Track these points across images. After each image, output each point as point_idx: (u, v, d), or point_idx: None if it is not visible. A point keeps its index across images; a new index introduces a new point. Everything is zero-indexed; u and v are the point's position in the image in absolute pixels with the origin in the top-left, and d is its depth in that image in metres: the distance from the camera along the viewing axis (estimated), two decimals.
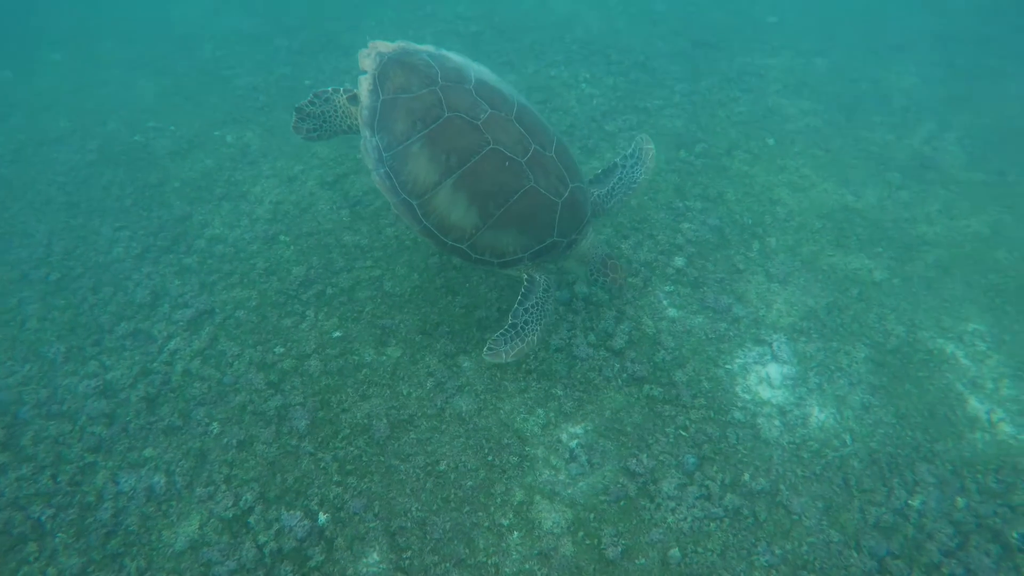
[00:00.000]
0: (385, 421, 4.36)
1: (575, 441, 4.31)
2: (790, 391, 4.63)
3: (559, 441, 4.32)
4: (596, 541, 3.81)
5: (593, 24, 10.18)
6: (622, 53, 8.94)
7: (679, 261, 5.50)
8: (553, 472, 4.16)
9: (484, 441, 4.31)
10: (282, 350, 4.81)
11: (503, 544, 3.80)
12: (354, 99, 4.23)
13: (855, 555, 3.81)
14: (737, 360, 4.81)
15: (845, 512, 4.00)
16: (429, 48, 4.27)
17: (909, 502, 4.06)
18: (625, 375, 4.64)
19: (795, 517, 3.97)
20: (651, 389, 4.55)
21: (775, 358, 4.83)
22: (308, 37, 9.68)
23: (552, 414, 4.47)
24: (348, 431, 4.32)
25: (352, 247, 5.66)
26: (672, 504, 3.98)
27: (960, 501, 4.10)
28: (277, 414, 4.39)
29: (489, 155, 3.75)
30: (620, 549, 3.76)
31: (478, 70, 4.22)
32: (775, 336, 4.96)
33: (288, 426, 4.33)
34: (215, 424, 4.32)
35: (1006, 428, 4.50)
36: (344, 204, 6.12)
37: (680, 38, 9.79)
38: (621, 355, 4.77)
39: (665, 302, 5.20)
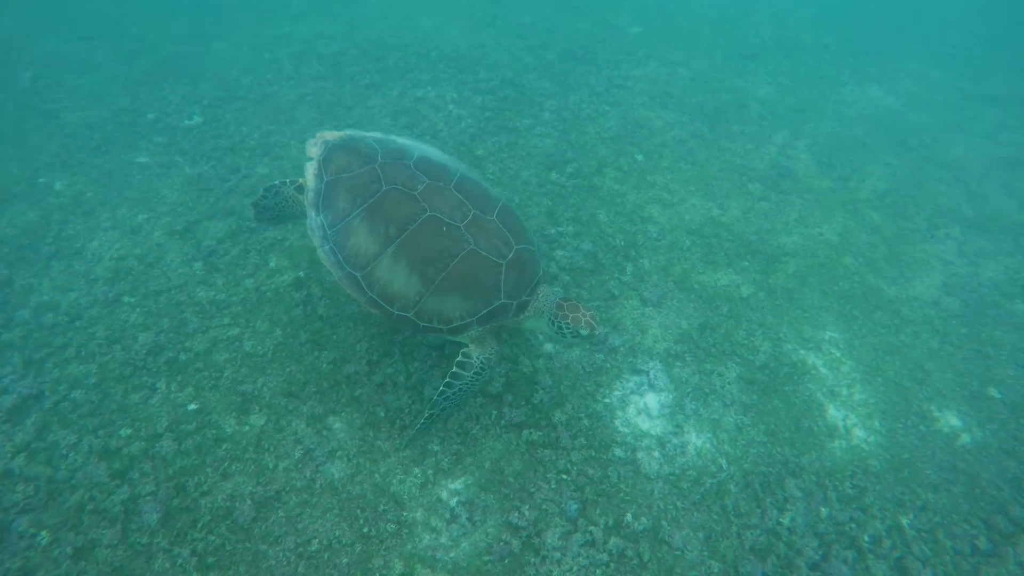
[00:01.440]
0: (250, 501, 4.00)
1: (455, 499, 4.14)
2: (668, 420, 4.69)
3: (439, 500, 4.14)
4: None
5: (460, 39, 10.04)
6: (490, 70, 8.85)
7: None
8: (434, 536, 3.97)
9: (359, 511, 4.04)
10: (129, 432, 4.30)
11: None
12: (300, 189, 4.46)
13: None
14: (615, 392, 4.82)
15: (724, 540, 4.08)
16: (376, 134, 4.46)
17: (780, 520, 4.21)
18: (504, 421, 4.52)
19: (677, 552, 4.01)
20: (530, 434, 4.45)
21: (652, 387, 4.88)
22: (149, 63, 8.86)
23: (430, 471, 4.27)
24: (208, 518, 3.92)
25: (207, 304, 5.19)
26: (557, 555, 3.90)
27: (823, 511, 4.30)
28: (124, 509, 3.91)
29: (427, 222, 3.81)
30: None
31: (424, 150, 4.35)
32: (651, 363, 5.01)
33: (137, 521, 3.86)
34: (44, 533, 3.78)
35: (858, 432, 4.78)
36: (197, 255, 5.60)
37: (548, 51, 9.85)
38: (499, 400, 4.65)
39: (541, 337, 5.13)
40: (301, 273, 5.51)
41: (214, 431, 4.35)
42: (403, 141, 4.40)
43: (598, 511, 4.12)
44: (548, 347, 5.05)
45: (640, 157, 7.33)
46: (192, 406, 4.47)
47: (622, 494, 4.23)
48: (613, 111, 8.27)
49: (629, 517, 4.10)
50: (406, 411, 4.57)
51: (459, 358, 4.08)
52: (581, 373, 4.90)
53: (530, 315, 4.14)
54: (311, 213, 4.10)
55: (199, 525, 3.87)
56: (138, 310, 5.11)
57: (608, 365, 4.97)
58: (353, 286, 3.95)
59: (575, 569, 3.85)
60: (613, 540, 3.98)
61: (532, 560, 3.89)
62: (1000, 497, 4.47)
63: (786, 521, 4.21)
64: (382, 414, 4.56)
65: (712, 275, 5.87)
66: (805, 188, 7.31)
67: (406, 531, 3.98)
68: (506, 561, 3.87)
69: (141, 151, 6.95)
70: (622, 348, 5.10)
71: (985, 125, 9.82)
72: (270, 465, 4.21)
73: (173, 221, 5.94)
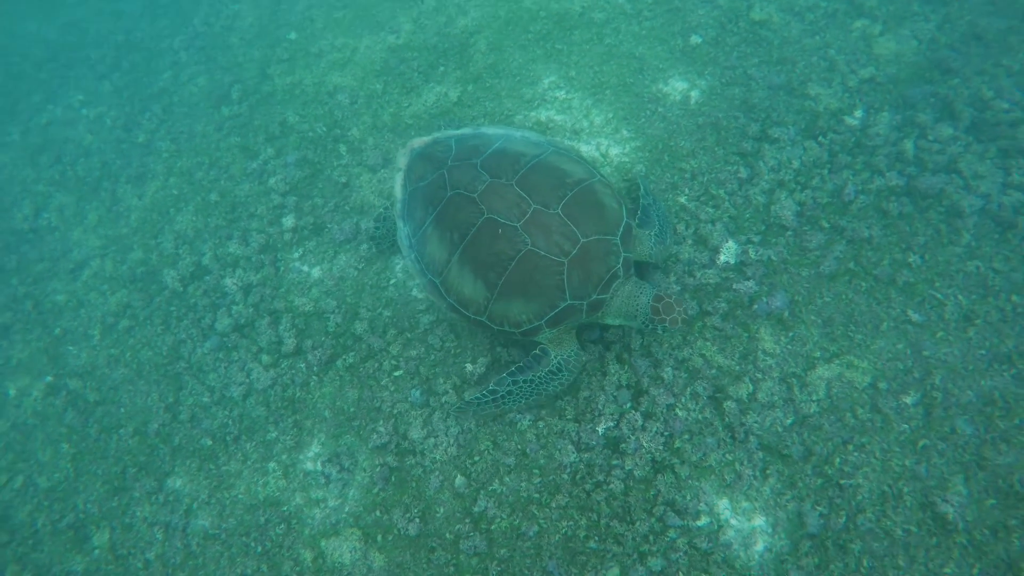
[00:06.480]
0: None
1: (319, 462, 4.02)
2: None
3: (307, 473, 4.01)
4: (395, 531, 3.67)
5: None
6: (101, 48, 7.50)
7: (288, 220, 5.04)
8: (322, 506, 3.88)
9: (244, 539, 3.88)
10: None
11: None
12: None
13: None
14: (396, 270, 4.62)
15: None
16: (465, 130, 4.35)
17: None
18: (315, 367, 4.31)
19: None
20: (345, 360, 4.29)
21: (384, 244, 4.70)
22: None
23: (283, 456, 4.10)
24: None
25: None
26: (431, 441, 3.90)
27: None
28: None
29: (484, 225, 3.64)
30: (417, 521, 3.66)
31: (507, 139, 4.07)
32: (398, 223, 4.80)
33: None
34: None
35: (614, 151, 4.83)
36: None
37: None
38: (300, 353, 4.40)
39: (304, 268, 4.80)
40: (48, 378, 4.87)
41: None
42: (490, 132, 4.24)
43: (440, 380, 4.07)
44: (315, 272, 4.76)
45: (294, 35, 6.57)
46: None
47: (451, 351, 4.19)
48: (244, 6, 7.24)
49: (468, 366, 4.09)
50: (230, 423, 4.28)
51: (535, 351, 3.80)
52: (357, 273, 4.66)
53: (612, 315, 3.71)
54: (399, 224, 4.11)
55: None
56: None
57: (374, 252, 4.73)
58: (434, 292, 3.88)
59: (452, 440, 3.87)
60: (468, 394, 3.98)
61: (414, 461, 3.88)
62: (739, 125, 4.70)
63: None
64: (209, 443, 4.27)
65: (418, 100, 5.52)
66: None
67: (295, 521, 3.87)
68: (393, 479, 3.85)
69: None
70: (377, 223, 4.84)
71: None
72: (139, 566, 3.93)
73: None
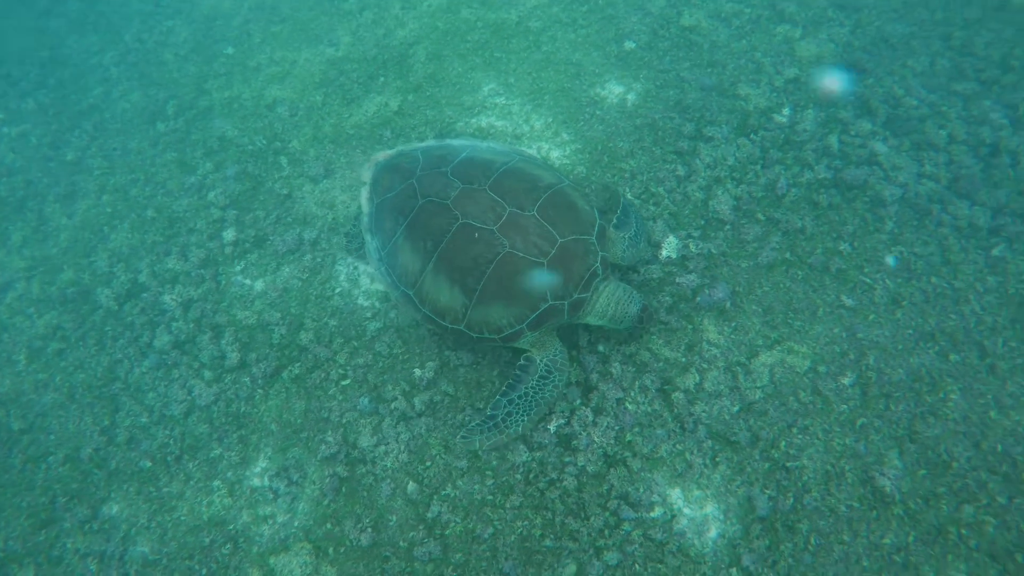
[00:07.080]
0: None
1: (266, 477, 3.90)
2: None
3: (254, 490, 3.87)
4: (347, 542, 3.58)
5: None
6: (21, 64, 7.25)
7: (229, 234, 4.92)
8: (270, 522, 3.75)
9: (187, 562, 3.71)
10: None
11: None
12: None
13: None
14: (341, 280, 4.56)
15: None
16: (430, 142, 4.34)
17: None
18: (260, 379, 4.20)
19: (477, 366, 4.05)
20: (291, 371, 4.19)
21: (362, 258, 4.66)
22: None
23: (228, 473, 3.96)
24: None
25: None
26: (381, 449, 3.82)
27: None
28: None
29: (459, 231, 3.61)
30: (369, 530, 3.57)
31: (474, 149, 4.08)
32: (366, 236, 4.77)
33: None
34: None
35: (555, 154, 4.91)
36: None
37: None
38: (244, 367, 4.28)
39: (247, 281, 4.69)
40: None
41: None
42: (456, 143, 4.23)
43: (389, 387, 4.02)
44: (259, 285, 4.66)
45: (231, 50, 6.49)
46: None
47: (399, 357, 4.14)
48: (178, 22, 7.13)
49: (417, 371, 4.05)
50: (171, 443, 4.12)
51: (520, 361, 3.73)
52: (300, 284, 4.58)
53: (596, 315, 3.71)
54: (367, 238, 4.05)
55: None
56: None
57: (318, 261, 4.67)
58: (408, 304, 3.82)
59: (402, 447, 3.81)
60: (418, 399, 3.92)
61: (364, 470, 3.79)
62: (674, 125, 4.86)
63: None
64: (149, 464, 4.09)
65: (359, 111, 5.52)
66: None
67: (242, 540, 3.73)
68: (343, 489, 3.76)
69: None
70: (322, 238, 4.78)
71: None
72: None
73: None
